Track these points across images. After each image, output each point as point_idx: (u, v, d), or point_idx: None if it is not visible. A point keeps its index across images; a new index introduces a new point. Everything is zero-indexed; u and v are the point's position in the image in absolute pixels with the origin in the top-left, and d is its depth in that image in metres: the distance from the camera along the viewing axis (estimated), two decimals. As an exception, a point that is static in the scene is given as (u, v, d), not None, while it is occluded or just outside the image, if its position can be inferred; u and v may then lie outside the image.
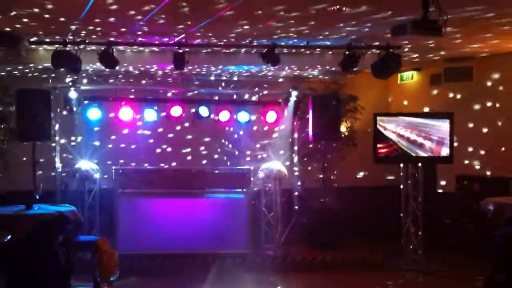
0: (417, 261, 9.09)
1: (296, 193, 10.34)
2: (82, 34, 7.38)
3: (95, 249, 6.87)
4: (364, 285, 8.11)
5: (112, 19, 6.55)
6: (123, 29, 7.16)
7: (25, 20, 6.54)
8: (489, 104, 9.48)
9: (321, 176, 10.40)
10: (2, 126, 9.28)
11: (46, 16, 6.34)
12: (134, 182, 9.12)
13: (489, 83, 9.49)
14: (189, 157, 10.75)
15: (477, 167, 9.61)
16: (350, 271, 8.86)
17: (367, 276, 8.59)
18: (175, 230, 8.90)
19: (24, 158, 9.43)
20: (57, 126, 9.55)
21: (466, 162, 9.73)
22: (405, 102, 11.13)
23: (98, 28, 7.11)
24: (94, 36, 7.52)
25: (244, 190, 9.21)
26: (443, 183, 10.26)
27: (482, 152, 9.57)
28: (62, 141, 9.84)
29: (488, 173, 9.42)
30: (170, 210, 9.02)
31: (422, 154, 9.17)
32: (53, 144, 9.49)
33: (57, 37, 7.43)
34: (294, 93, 10.02)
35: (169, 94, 10.51)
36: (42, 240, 6.46)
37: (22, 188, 8.34)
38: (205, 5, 5.95)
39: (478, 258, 8.29)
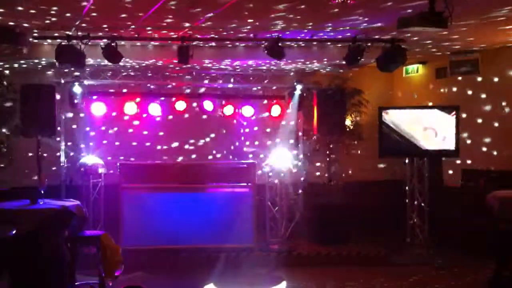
0: (422, 256, 9.05)
1: (301, 188, 10.32)
2: (85, 29, 7.35)
3: (99, 244, 6.87)
4: (369, 280, 8.08)
5: (116, 14, 6.54)
6: (127, 24, 7.13)
7: (29, 15, 6.52)
8: (495, 97, 9.41)
9: (326, 170, 10.38)
10: (7, 122, 9.27)
11: (50, 11, 6.32)
12: (139, 176, 9.12)
13: (495, 76, 9.42)
14: (193, 152, 10.74)
15: (483, 161, 9.54)
16: (355, 266, 8.84)
17: (372, 271, 8.56)
18: (179, 224, 8.89)
19: (29, 153, 9.45)
20: (61, 121, 9.55)
21: (472, 156, 9.67)
22: (411, 96, 11.08)
23: (102, 23, 7.09)
24: (98, 30, 7.49)
25: (249, 184, 9.19)
26: (449, 177, 10.21)
27: (488, 146, 9.50)
28: (67, 136, 9.84)
29: (494, 167, 9.35)
30: (175, 205, 9.01)
31: (427, 148, 9.12)
32: (58, 139, 9.49)
33: (61, 32, 7.41)
34: (299, 87, 9.99)
35: (173, 89, 10.48)
36: (47, 235, 6.46)
37: (27, 183, 8.36)
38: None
39: (484, 253, 8.24)
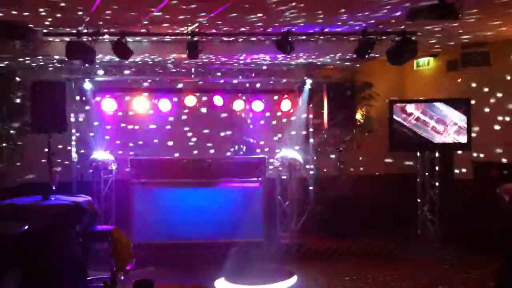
0: (433, 250, 9.00)
1: (311, 182, 10.30)
2: (95, 25, 7.35)
3: (110, 238, 6.91)
4: (379, 274, 8.06)
5: (125, 10, 6.53)
6: (136, 19, 7.12)
7: (39, 11, 6.54)
8: (507, 89, 9.31)
9: (336, 164, 10.35)
10: (17, 118, 9.32)
11: (60, 7, 6.33)
12: (149, 172, 9.15)
13: (506, 68, 9.32)
14: (203, 147, 10.75)
15: (495, 154, 9.46)
16: (365, 260, 8.82)
17: (381, 266, 8.54)
18: (190, 219, 8.92)
19: (40, 150, 9.49)
20: (72, 117, 9.59)
21: (484, 148, 9.59)
22: (421, 89, 11.00)
23: (112, 19, 7.09)
24: (107, 27, 7.50)
25: (259, 179, 9.19)
26: (460, 170, 10.13)
27: (500, 139, 9.41)
28: (77, 132, 9.89)
29: (506, 160, 9.27)
30: (185, 200, 9.04)
31: (439, 141, 9.07)
32: (69, 135, 9.54)
33: (71, 28, 7.42)
34: (309, 81, 9.97)
35: (183, 84, 10.49)
36: (59, 231, 6.50)
37: (38, 179, 8.41)
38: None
39: (494, 248, 8.17)
